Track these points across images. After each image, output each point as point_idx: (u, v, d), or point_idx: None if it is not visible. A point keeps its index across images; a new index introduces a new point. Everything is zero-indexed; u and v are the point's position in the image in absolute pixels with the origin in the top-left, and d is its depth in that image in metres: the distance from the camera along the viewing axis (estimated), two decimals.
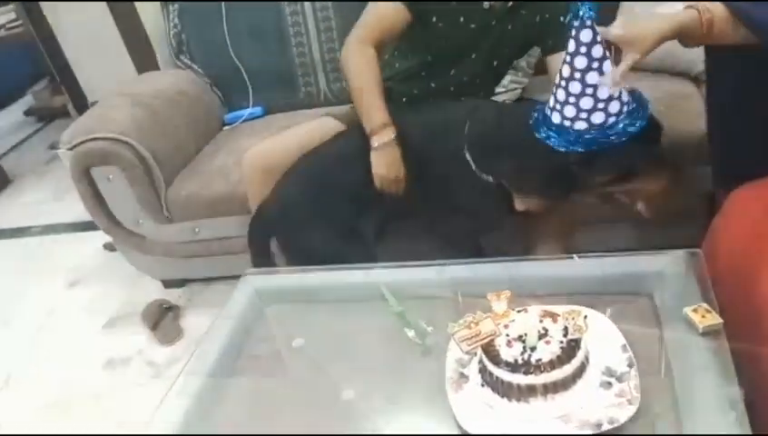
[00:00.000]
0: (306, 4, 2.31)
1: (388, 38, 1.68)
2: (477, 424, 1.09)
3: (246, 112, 2.45)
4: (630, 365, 1.11)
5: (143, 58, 2.67)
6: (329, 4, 2.30)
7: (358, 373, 1.32)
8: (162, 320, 2.25)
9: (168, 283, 2.46)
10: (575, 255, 1.40)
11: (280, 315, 1.54)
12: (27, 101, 4.61)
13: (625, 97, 1.30)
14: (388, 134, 1.59)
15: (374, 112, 1.61)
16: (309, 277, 1.59)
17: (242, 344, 1.46)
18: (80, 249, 2.86)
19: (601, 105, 1.28)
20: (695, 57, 1.87)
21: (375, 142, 1.59)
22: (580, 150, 1.31)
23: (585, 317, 1.12)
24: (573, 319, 1.11)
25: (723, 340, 1.12)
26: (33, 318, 2.48)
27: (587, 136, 1.30)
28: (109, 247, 2.69)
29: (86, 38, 3.12)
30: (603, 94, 1.26)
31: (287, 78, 2.41)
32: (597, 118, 1.29)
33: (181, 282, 2.46)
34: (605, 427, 1.02)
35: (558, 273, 1.40)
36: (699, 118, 1.75)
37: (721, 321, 1.14)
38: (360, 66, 1.64)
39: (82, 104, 3.46)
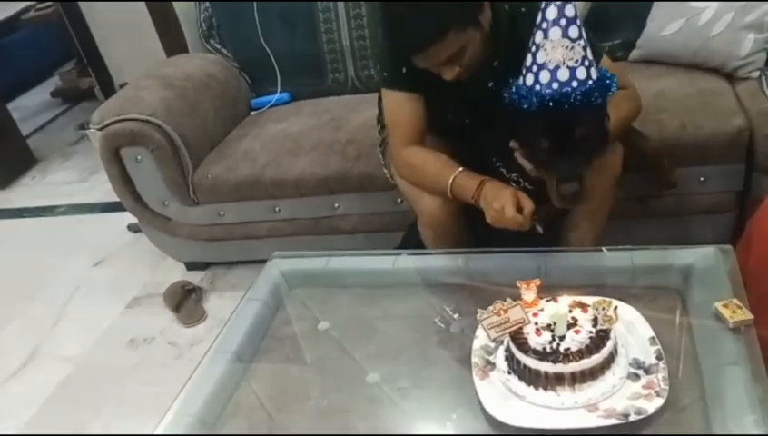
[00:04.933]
0: None
1: (419, 128, 1.55)
2: (504, 411, 1.09)
3: (274, 97, 2.45)
4: (659, 357, 1.11)
5: (173, 41, 2.68)
6: None
7: (383, 357, 1.33)
8: (184, 301, 2.27)
9: (191, 266, 2.48)
10: (604, 248, 1.39)
11: (306, 298, 1.55)
12: (54, 82, 4.64)
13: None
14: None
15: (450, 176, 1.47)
16: (335, 262, 1.60)
17: (268, 326, 1.48)
18: (105, 229, 2.88)
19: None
20: (729, 53, 1.86)
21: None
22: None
23: (616, 308, 1.12)
24: (603, 309, 1.11)
25: (753, 336, 1.12)
26: (58, 295, 2.52)
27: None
28: (133, 228, 2.72)
29: (115, 20, 3.15)
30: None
31: (315, 65, 2.41)
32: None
33: (204, 265, 2.47)
34: (633, 418, 1.03)
35: (587, 265, 1.40)
36: (731, 116, 1.74)
37: (751, 317, 1.13)
38: (411, 165, 1.55)
39: (108, 87, 3.49)
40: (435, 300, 1.41)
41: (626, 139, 1.56)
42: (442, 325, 1.35)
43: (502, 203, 1.34)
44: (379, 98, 1.86)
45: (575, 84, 1.24)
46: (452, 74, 1.36)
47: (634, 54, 2.07)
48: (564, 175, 1.28)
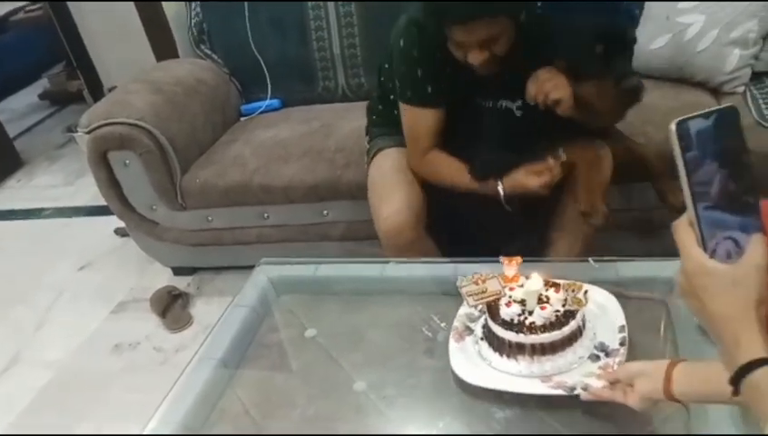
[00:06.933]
0: None
1: (438, 138, 1.61)
2: (467, 371, 1.18)
3: (264, 103, 2.46)
4: (622, 344, 1.16)
5: (163, 46, 2.68)
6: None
7: (370, 365, 1.33)
8: (170, 306, 2.26)
9: (178, 271, 2.47)
10: (590, 259, 1.40)
11: (293, 305, 1.55)
12: (42, 84, 4.62)
13: None
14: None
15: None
16: (323, 269, 1.60)
17: (255, 333, 1.47)
18: (91, 233, 2.87)
19: None
20: (715, 68, 1.88)
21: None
22: None
23: (586, 292, 1.17)
24: (573, 292, 1.16)
25: None
26: (42, 299, 2.50)
27: None
28: (120, 232, 2.71)
29: (105, 24, 3.14)
30: None
31: (306, 72, 2.42)
32: None
33: (191, 270, 2.47)
34: (577, 391, 1.07)
35: (574, 276, 1.40)
36: None
37: None
38: (435, 170, 1.63)
39: (97, 90, 3.47)
40: (422, 308, 1.41)
41: (626, 150, 1.59)
42: (429, 334, 1.35)
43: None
44: (368, 108, 1.87)
45: None
46: (480, 58, 1.39)
47: None
48: (623, 73, 1.37)
